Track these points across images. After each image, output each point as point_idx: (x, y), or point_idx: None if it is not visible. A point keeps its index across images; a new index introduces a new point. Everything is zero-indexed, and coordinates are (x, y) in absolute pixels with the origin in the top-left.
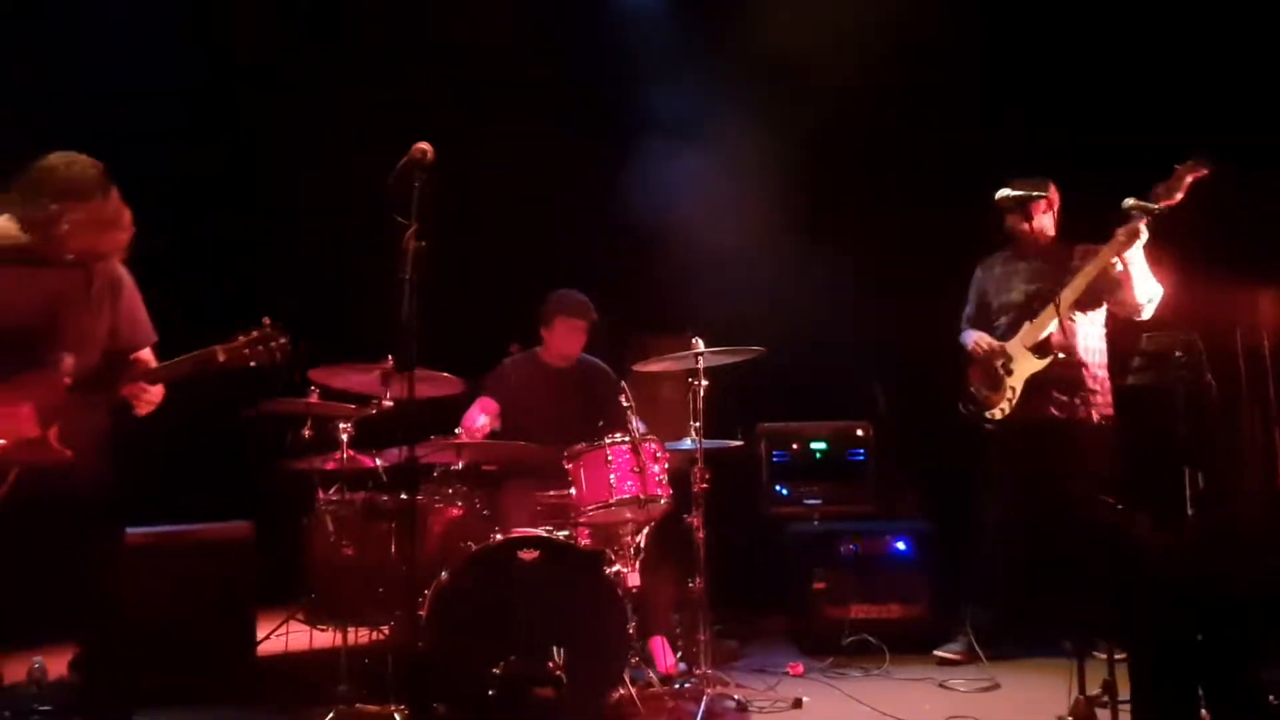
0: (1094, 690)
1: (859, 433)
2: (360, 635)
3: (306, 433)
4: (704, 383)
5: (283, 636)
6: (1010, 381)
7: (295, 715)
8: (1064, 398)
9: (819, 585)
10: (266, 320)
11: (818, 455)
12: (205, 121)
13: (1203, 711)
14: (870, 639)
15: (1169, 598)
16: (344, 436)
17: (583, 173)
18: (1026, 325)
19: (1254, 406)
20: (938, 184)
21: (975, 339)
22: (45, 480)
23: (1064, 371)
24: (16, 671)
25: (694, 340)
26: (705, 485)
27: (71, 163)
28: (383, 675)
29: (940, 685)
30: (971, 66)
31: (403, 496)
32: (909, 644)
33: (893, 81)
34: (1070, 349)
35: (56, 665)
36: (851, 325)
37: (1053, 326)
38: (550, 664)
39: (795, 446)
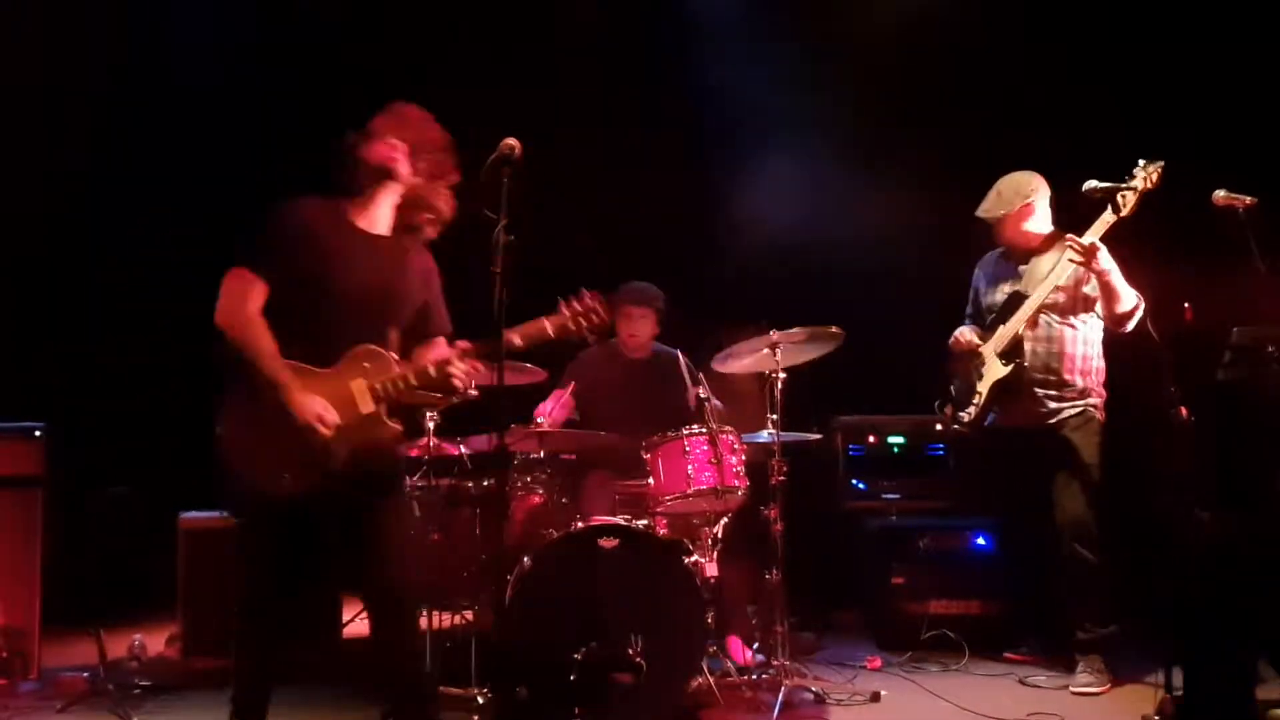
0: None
1: (938, 427)
2: (443, 619)
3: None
4: (782, 375)
5: (367, 619)
6: (979, 386)
7: (379, 696)
8: (1033, 408)
9: (897, 580)
10: (584, 291)
11: (895, 449)
12: (298, 119)
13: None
14: (949, 634)
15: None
16: (430, 424)
17: (661, 165)
18: (1001, 329)
19: None
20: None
21: (956, 334)
22: (368, 463)
23: (1031, 379)
24: (118, 648)
25: (772, 333)
26: (782, 478)
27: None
28: (465, 658)
29: (1021, 682)
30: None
31: (486, 484)
32: (989, 640)
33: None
34: (1042, 355)
35: (154, 642)
36: (932, 317)
37: (1022, 331)
38: (630, 651)
39: (872, 440)
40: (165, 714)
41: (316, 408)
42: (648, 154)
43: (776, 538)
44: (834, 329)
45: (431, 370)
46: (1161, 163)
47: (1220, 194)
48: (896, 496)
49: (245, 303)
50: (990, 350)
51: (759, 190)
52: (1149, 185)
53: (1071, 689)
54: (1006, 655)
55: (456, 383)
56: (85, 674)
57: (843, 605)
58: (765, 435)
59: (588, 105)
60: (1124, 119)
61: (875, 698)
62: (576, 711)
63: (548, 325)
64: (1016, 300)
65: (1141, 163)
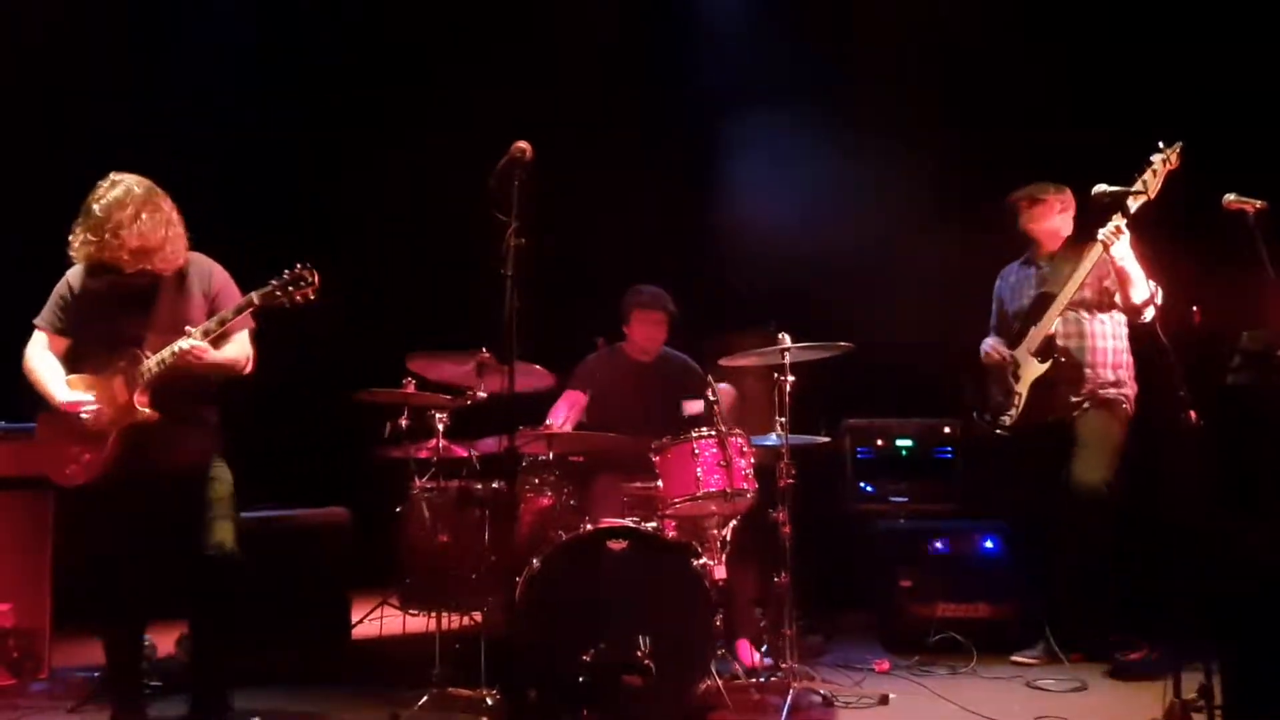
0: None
1: (946, 430)
2: (452, 620)
3: (404, 422)
4: (790, 378)
5: (376, 621)
6: (1018, 387)
7: (389, 698)
8: (1068, 399)
9: (905, 583)
10: (298, 264)
11: (903, 452)
12: (299, 120)
13: None
14: (957, 637)
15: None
16: (439, 426)
17: (670, 168)
18: (1032, 330)
19: None
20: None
21: (988, 347)
22: (148, 452)
23: (1068, 373)
24: None
25: (781, 336)
26: (791, 481)
27: (113, 184)
28: (475, 660)
29: (1029, 685)
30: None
31: (495, 486)
32: (996, 644)
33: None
34: (1075, 350)
35: (165, 643)
36: (939, 320)
37: (1054, 328)
38: (638, 653)
39: (880, 443)
40: (175, 715)
41: (67, 397)
42: (649, 155)
43: (785, 540)
44: (843, 344)
45: (167, 355)
46: (1180, 143)
47: (1230, 198)
48: (904, 499)
49: (30, 353)
50: (1024, 351)
51: (764, 191)
52: (1170, 166)
53: (1012, 657)
54: (1014, 658)
55: (186, 357)
56: (96, 674)
57: (851, 608)
58: (773, 438)
59: (588, 105)
60: (1127, 121)
61: (883, 700)
62: (585, 713)
63: (254, 296)
64: (1045, 300)
65: (1160, 144)
